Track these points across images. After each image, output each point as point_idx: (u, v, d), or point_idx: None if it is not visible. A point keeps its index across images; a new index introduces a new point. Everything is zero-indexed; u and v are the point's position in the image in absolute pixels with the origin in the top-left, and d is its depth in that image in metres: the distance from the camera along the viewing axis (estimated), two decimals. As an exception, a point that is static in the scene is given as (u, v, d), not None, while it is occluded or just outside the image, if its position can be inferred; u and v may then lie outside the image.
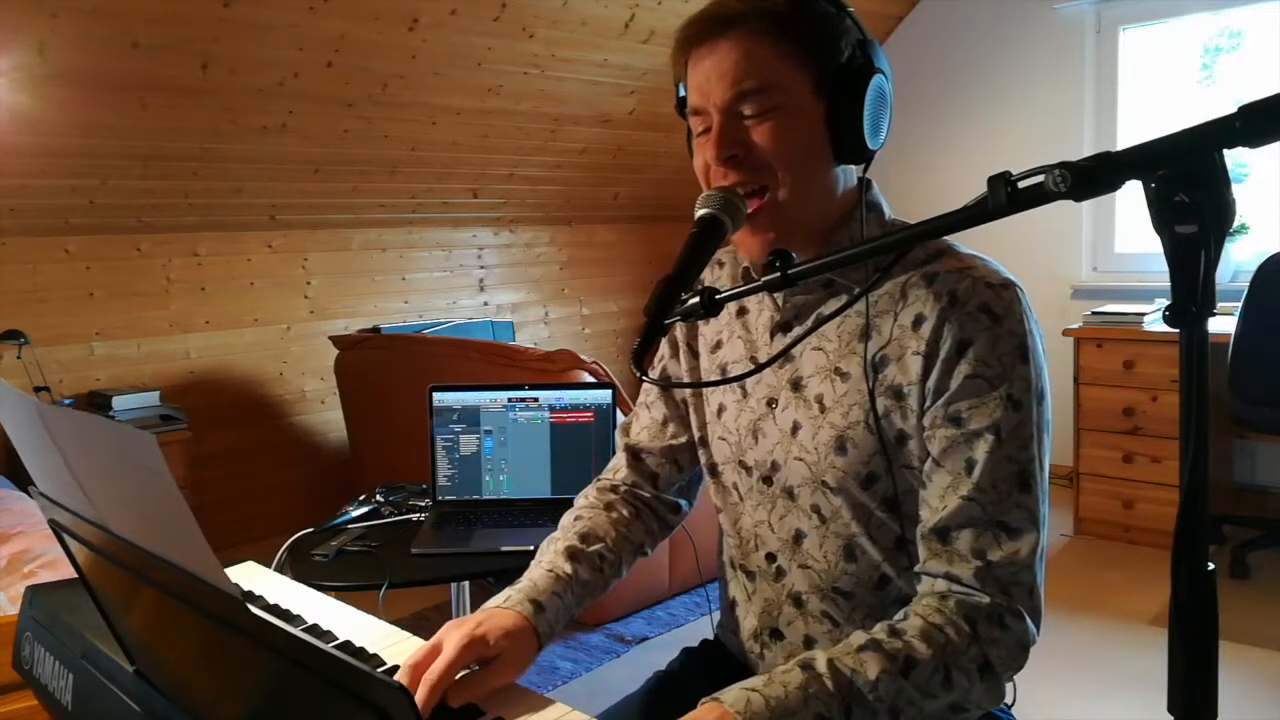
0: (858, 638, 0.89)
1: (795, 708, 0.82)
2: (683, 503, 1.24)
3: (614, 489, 1.21)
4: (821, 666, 0.86)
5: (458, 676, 0.90)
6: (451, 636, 0.92)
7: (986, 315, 0.93)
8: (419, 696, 0.87)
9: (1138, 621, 2.79)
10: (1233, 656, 2.52)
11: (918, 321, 0.96)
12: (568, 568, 1.06)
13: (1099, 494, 3.44)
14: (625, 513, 1.17)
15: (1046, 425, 0.96)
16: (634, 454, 1.23)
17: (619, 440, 1.26)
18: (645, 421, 1.23)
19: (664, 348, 1.22)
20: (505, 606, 0.99)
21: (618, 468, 1.23)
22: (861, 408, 0.98)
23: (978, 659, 0.88)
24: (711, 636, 1.25)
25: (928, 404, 0.94)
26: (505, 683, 0.93)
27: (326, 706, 0.61)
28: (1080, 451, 3.47)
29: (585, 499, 1.20)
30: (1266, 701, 2.33)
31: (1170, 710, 0.63)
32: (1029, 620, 0.91)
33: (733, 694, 0.84)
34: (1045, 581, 0.95)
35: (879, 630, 0.90)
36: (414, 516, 1.89)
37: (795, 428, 1.03)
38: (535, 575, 1.05)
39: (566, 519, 1.17)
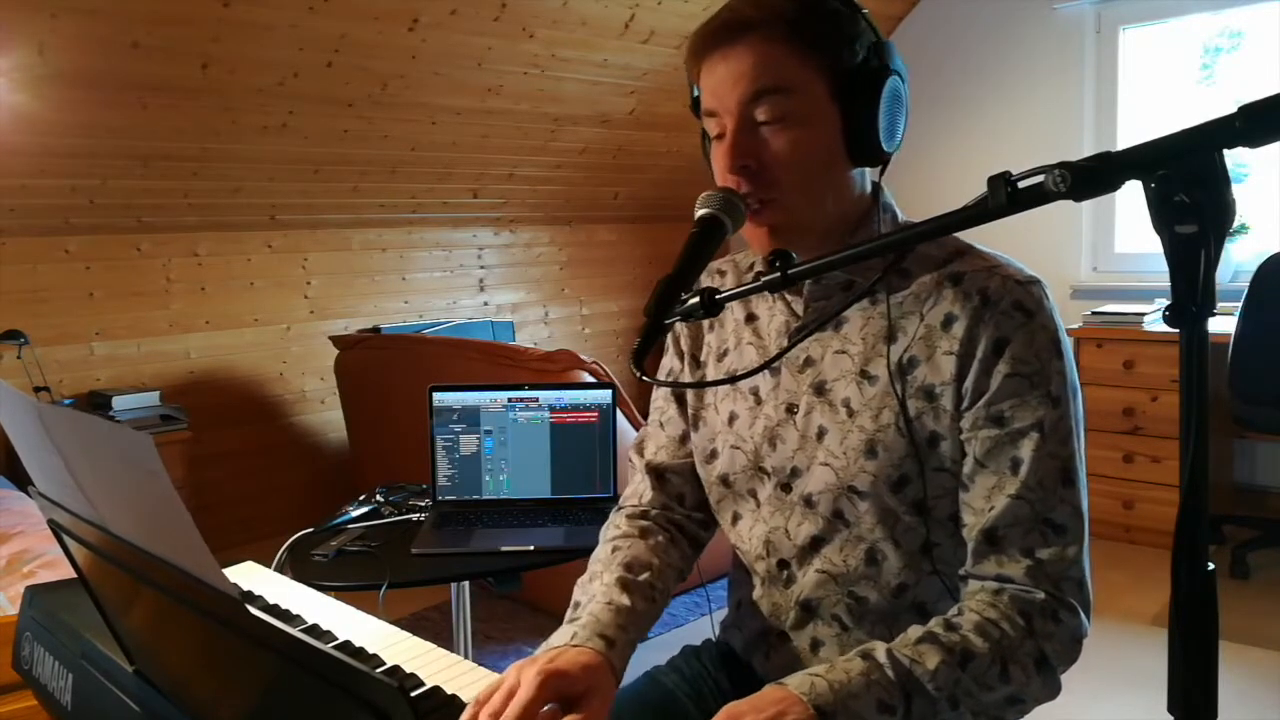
0: (914, 631, 0.90)
1: (858, 692, 0.83)
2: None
3: (644, 515, 1.16)
4: (881, 656, 0.86)
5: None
6: (526, 673, 0.85)
7: (1020, 313, 0.93)
8: None
9: (1138, 621, 2.79)
10: (1233, 656, 2.52)
11: (948, 321, 0.96)
12: (625, 600, 0.99)
13: (1099, 494, 3.43)
14: (661, 539, 1.12)
15: (1081, 419, 0.96)
16: (657, 475, 1.19)
17: (635, 461, 1.21)
18: (662, 440, 1.20)
19: (673, 360, 1.20)
20: (574, 644, 0.92)
21: (642, 492, 1.19)
22: (892, 410, 0.97)
23: (1034, 653, 0.89)
24: (713, 636, 1.25)
25: (966, 405, 0.94)
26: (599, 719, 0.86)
27: (326, 706, 0.61)
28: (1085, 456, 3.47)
29: (617, 529, 1.13)
30: (1266, 701, 2.33)
31: (1170, 710, 0.63)
32: (1081, 614, 0.92)
33: (797, 679, 0.85)
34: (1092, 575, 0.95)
35: (935, 624, 0.90)
36: (414, 516, 1.89)
37: (821, 433, 1.02)
38: (594, 610, 0.98)
39: (602, 552, 1.10)
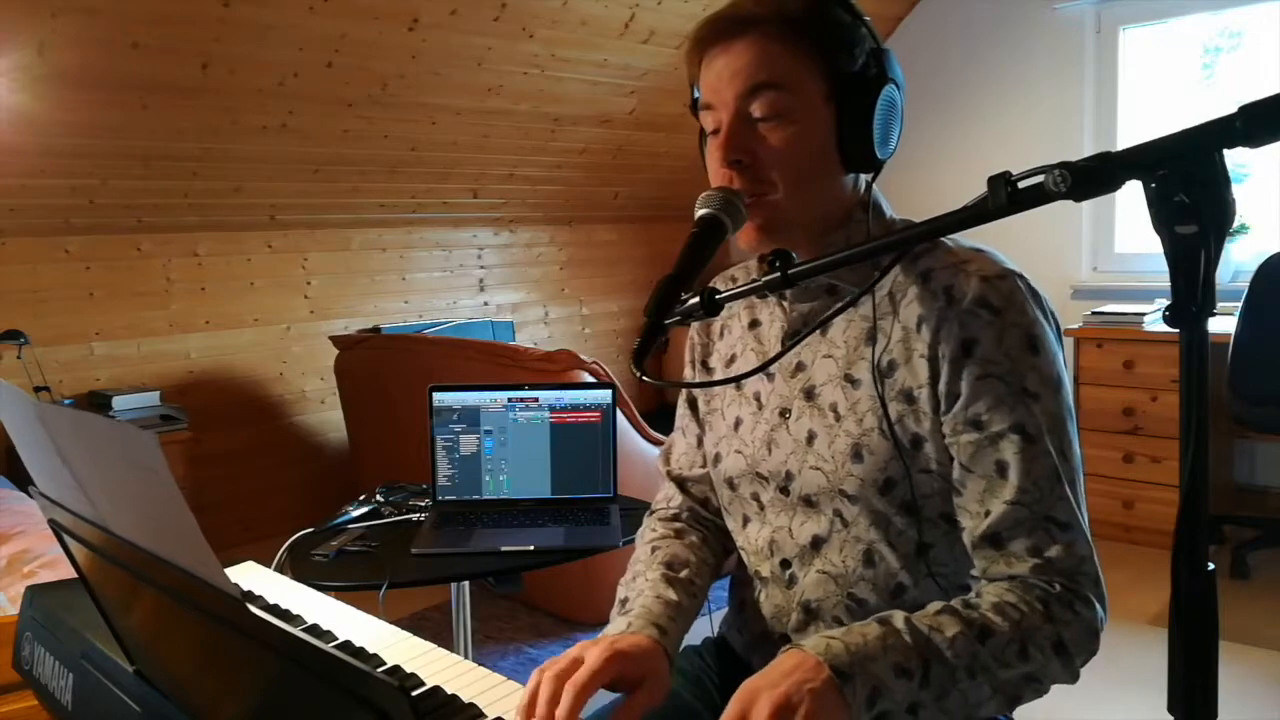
0: (935, 604, 0.89)
1: (875, 655, 0.82)
2: None
3: (676, 517, 1.19)
4: (899, 623, 0.86)
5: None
6: (592, 650, 0.89)
7: (986, 310, 0.92)
8: (563, 703, 0.83)
9: (1138, 621, 2.79)
10: (1233, 656, 2.52)
11: (920, 323, 0.95)
12: (672, 594, 1.03)
13: (1099, 494, 3.44)
14: (695, 538, 1.16)
15: (1069, 412, 0.95)
16: (680, 483, 1.22)
17: (661, 468, 1.25)
18: (682, 448, 1.23)
19: (687, 368, 1.22)
20: (630, 633, 0.95)
21: (670, 497, 1.23)
22: (875, 414, 0.97)
23: (1052, 637, 0.88)
24: (713, 634, 1.25)
25: (944, 410, 0.94)
26: (656, 703, 0.89)
27: (326, 706, 0.61)
28: (1080, 451, 3.47)
29: (653, 531, 1.17)
30: (1266, 701, 2.33)
31: (1170, 710, 0.63)
32: (1098, 606, 0.91)
33: (813, 640, 0.84)
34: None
35: (954, 601, 0.90)
36: (414, 516, 1.89)
37: (811, 437, 1.02)
38: (645, 603, 1.01)
39: (642, 553, 1.13)
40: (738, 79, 0.95)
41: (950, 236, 0.99)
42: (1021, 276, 0.95)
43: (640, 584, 1.06)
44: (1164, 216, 0.60)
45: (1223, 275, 3.39)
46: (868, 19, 0.98)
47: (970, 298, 0.92)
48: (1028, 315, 0.93)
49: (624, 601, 1.05)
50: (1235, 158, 2.82)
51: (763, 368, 1.01)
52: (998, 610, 0.88)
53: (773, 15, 0.94)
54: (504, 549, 1.71)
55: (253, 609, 0.63)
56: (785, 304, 1.06)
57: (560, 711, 0.83)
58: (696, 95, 1.01)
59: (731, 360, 1.14)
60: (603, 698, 1.12)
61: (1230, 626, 2.63)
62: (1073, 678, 0.91)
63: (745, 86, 0.95)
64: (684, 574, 1.08)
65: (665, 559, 1.09)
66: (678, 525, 1.18)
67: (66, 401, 3.31)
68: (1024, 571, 0.91)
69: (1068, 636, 0.89)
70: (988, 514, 0.92)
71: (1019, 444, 0.91)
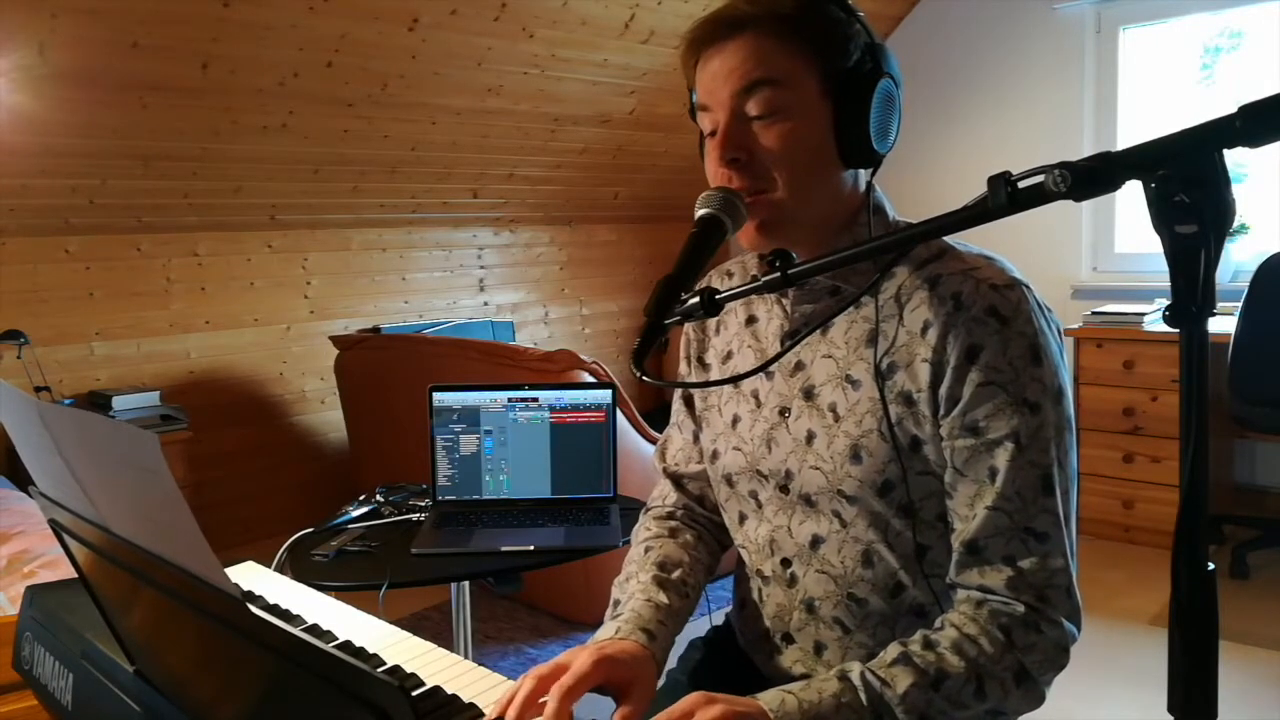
0: (893, 650, 0.90)
1: (827, 713, 0.84)
2: None
3: (670, 515, 1.20)
4: (856, 679, 0.87)
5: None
6: (580, 654, 0.91)
7: (994, 319, 0.92)
8: (550, 706, 0.84)
9: (1138, 621, 2.79)
10: (1233, 656, 2.52)
11: (925, 327, 0.95)
12: (663, 597, 1.04)
13: (1099, 494, 3.44)
14: (690, 536, 1.17)
15: (1068, 423, 0.95)
16: (676, 480, 1.23)
17: (656, 464, 1.26)
18: (678, 444, 1.23)
19: (682, 364, 1.22)
20: (618, 638, 0.97)
21: (666, 494, 1.23)
22: (874, 415, 0.97)
23: (1013, 667, 0.89)
24: (718, 627, 1.25)
25: (943, 413, 0.94)
26: (644, 708, 0.90)
27: (326, 706, 0.61)
28: (1080, 451, 3.46)
29: (647, 530, 1.18)
30: (1266, 701, 2.33)
31: (1170, 710, 0.63)
32: (1066, 623, 0.91)
33: (769, 694, 0.86)
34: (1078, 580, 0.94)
35: (914, 641, 0.90)
36: (414, 516, 1.89)
37: (810, 437, 1.02)
38: (635, 607, 1.02)
39: (635, 553, 1.14)
40: (732, 78, 0.95)
41: (958, 241, 0.99)
42: (1029, 287, 0.95)
43: (632, 586, 1.07)
44: (1164, 216, 0.61)
45: (1223, 275, 3.40)
46: (861, 14, 0.98)
47: (979, 306, 0.92)
48: (1033, 325, 0.93)
49: (616, 603, 1.07)
50: (1235, 158, 2.82)
51: (763, 368, 1.01)
52: (956, 649, 0.89)
53: (765, 14, 0.94)
54: (504, 549, 1.71)
55: (253, 609, 0.63)
56: (785, 303, 1.06)
57: (546, 715, 0.83)
58: (694, 100, 1.01)
59: (728, 356, 1.14)
60: (594, 707, 1.12)
61: (1230, 626, 2.63)
62: (1036, 703, 0.92)
63: (740, 85, 0.95)
64: (676, 575, 1.08)
65: (658, 559, 1.10)
66: (672, 524, 1.18)
67: (66, 401, 3.31)
68: (996, 583, 0.91)
69: (1030, 661, 0.90)
70: (973, 517, 0.93)
71: (1011, 452, 0.91)
